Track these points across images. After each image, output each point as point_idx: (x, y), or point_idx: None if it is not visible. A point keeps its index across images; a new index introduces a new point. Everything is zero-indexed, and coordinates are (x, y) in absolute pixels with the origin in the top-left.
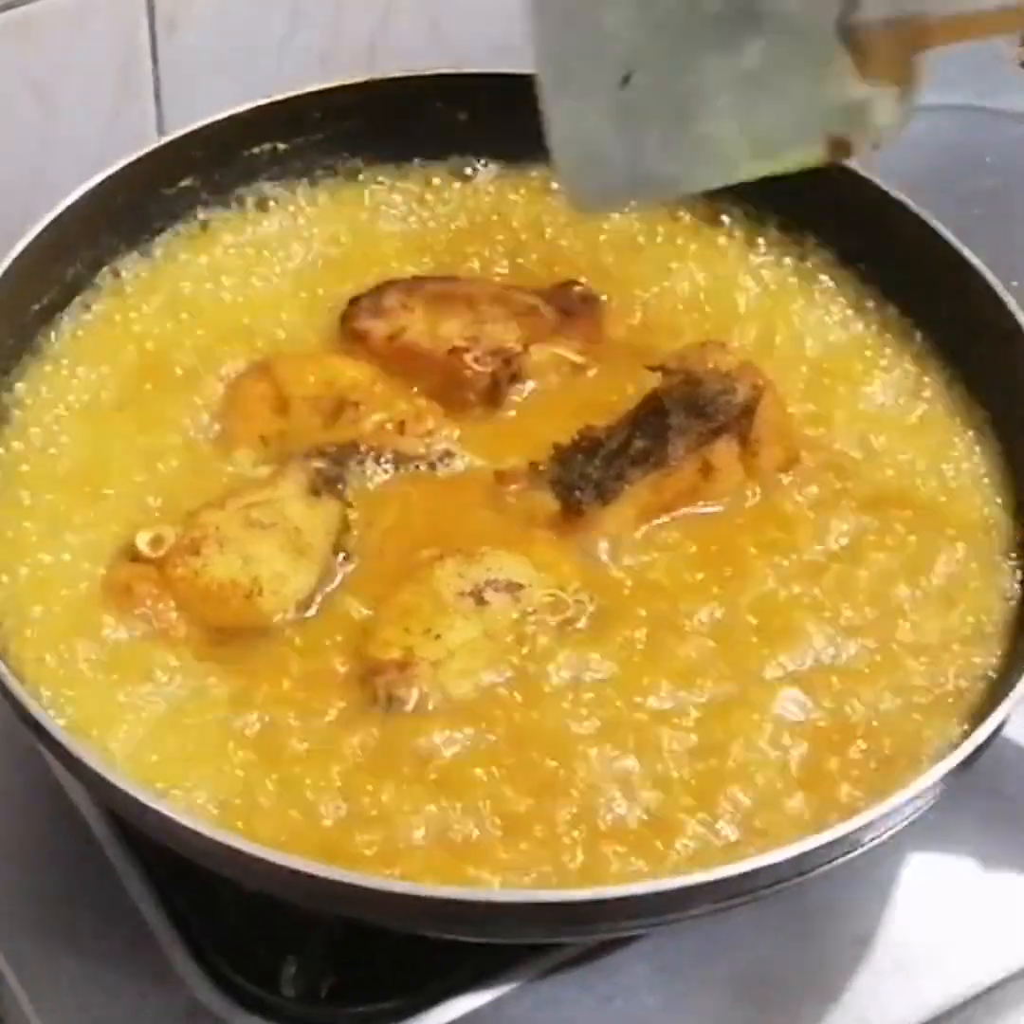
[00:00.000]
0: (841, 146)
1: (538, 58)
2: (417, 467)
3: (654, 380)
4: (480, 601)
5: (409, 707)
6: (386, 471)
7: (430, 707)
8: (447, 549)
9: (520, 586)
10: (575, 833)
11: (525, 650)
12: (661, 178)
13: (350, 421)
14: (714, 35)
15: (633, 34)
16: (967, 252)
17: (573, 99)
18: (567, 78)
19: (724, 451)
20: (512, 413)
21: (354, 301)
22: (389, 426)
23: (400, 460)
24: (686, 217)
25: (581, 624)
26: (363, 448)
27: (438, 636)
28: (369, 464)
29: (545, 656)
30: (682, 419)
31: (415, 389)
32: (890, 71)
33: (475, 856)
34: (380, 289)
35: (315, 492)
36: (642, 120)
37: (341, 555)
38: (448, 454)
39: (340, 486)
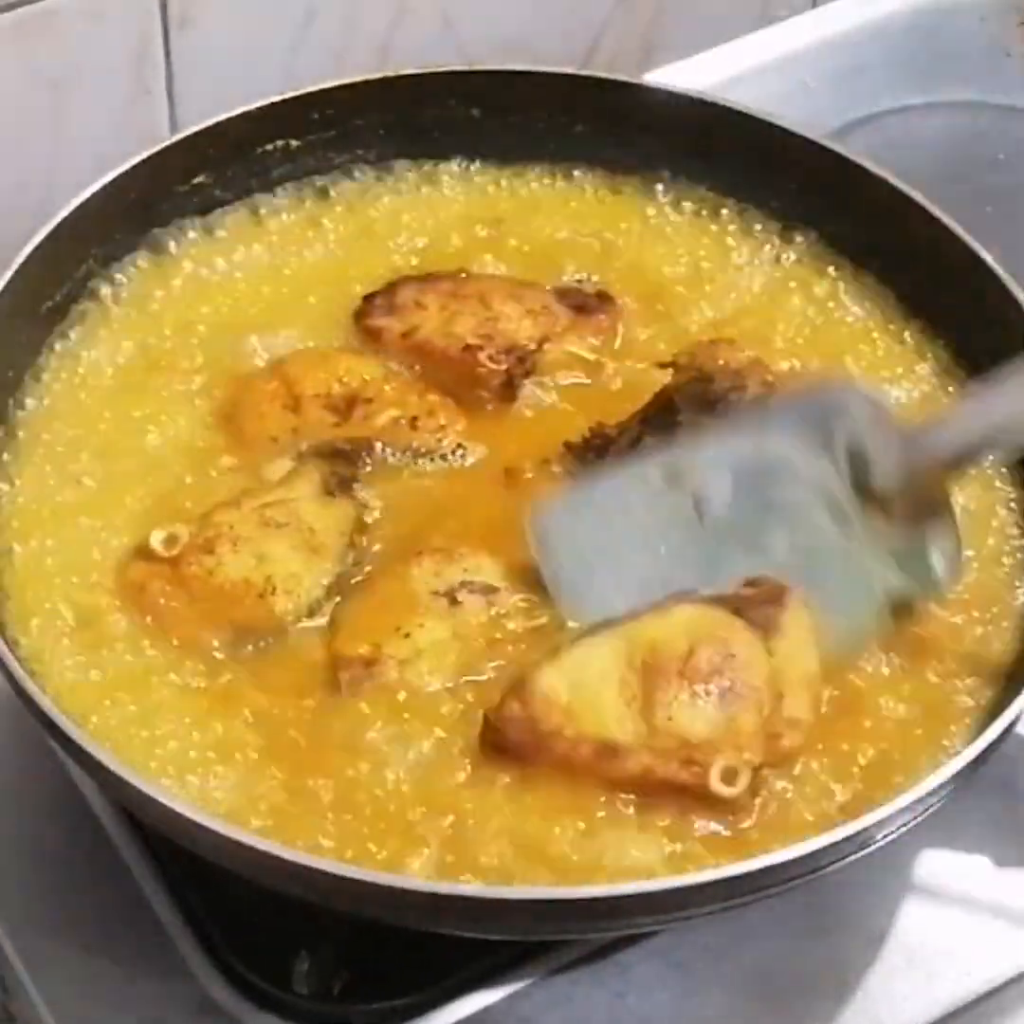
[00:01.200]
0: (905, 607)
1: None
2: (431, 460)
3: (665, 377)
4: (453, 602)
5: (371, 703)
6: (399, 468)
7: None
8: (427, 548)
9: (495, 589)
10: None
11: (494, 654)
12: None
13: (362, 418)
14: (735, 539)
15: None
16: (979, 248)
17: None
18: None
19: None
20: (526, 410)
21: (368, 298)
22: (402, 422)
23: (413, 456)
24: (699, 216)
25: (553, 629)
26: (376, 444)
27: (407, 635)
28: (382, 461)
29: (514, 660)
30: (692, 416)
31: (428, 386)
32: (920, 516)
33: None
34: (394, 286)
35: (329, 492)
36: None
37: (354, 554)
38: (461, 450)
39: (355, 486)
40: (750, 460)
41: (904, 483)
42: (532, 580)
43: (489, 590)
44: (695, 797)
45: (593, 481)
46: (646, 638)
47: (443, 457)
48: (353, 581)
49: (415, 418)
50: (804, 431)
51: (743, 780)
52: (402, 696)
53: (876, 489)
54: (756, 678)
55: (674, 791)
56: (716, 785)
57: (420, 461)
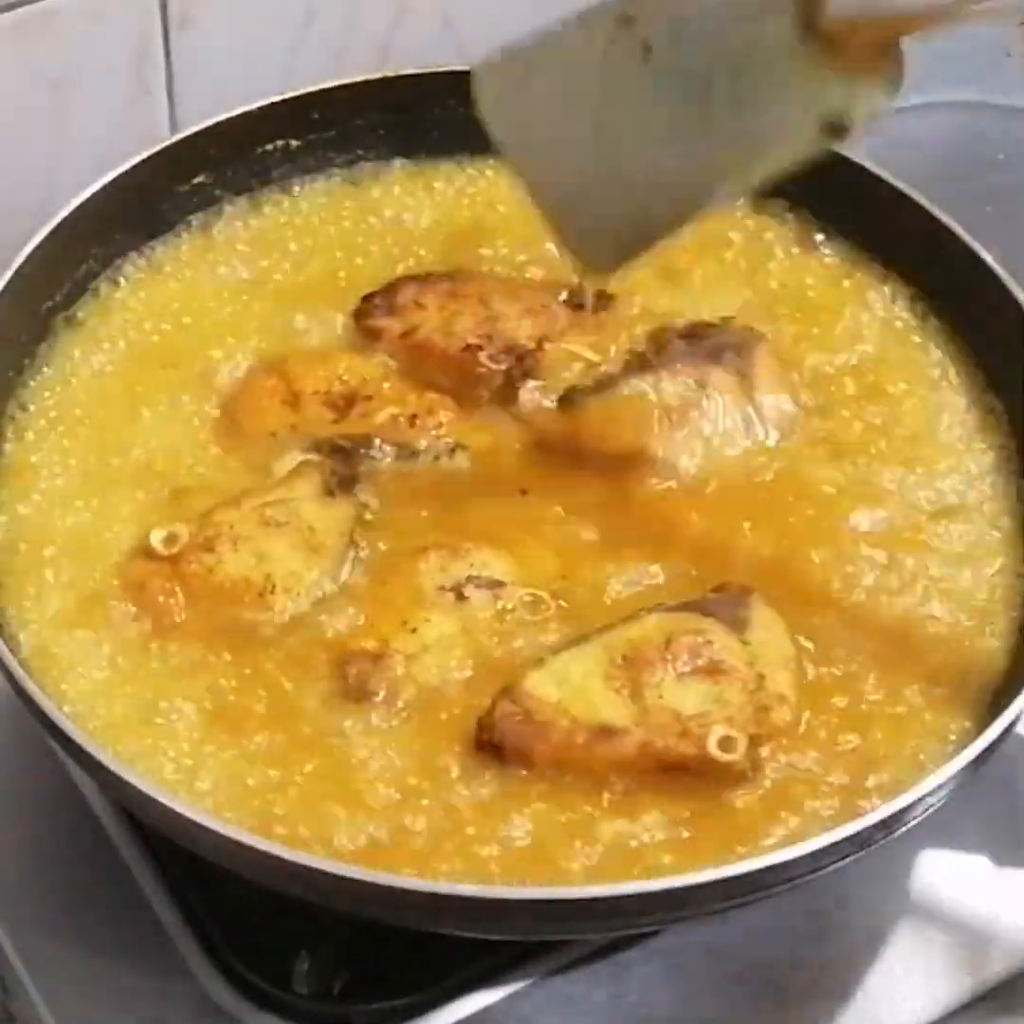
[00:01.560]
0: (837, 132)
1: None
2: (432, 458)
3: None
4: (460, 597)
5: (379, 699)
6: (398, 466)
7: (401, 700)
8: (433, 543)
9: (501, 584)
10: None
11: (501, 648)
12: (660, 215)
13: (361, 416)
14: (679, 83)
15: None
16: (979, 248)
17: (550, 172)
18: (540, 160)
19: (721, 376)
20: (526, 409)
21: (367, 298)
22: (401, 420)
23: (411, 454)
24: None
25: (559, 624)
26: (375, 442)
27: (414, 630)
28: (381, 459)
29: (520, 655)
30: (680, 344)
31: (427, 385)
32: (870, 60)
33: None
34: (393, 286)
35: (329, 492)
36: (622, 168)
37: (354, 553)
38: (459, 448)
39: (355, 486)
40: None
41: (854, 23)
42: (538, 575)
43: (495, 585)
44: (696, 771)
45: (538, 32)
46: (623, 640)
47: (442, 455)
48: (354, 579)
49: (414, 416)
50: None
51: (741, 746)
52: (408, 691)
53: (824, 25)
54: (735, 659)
55: (674, 767)
56: (715, 752)
57: (419, 459)
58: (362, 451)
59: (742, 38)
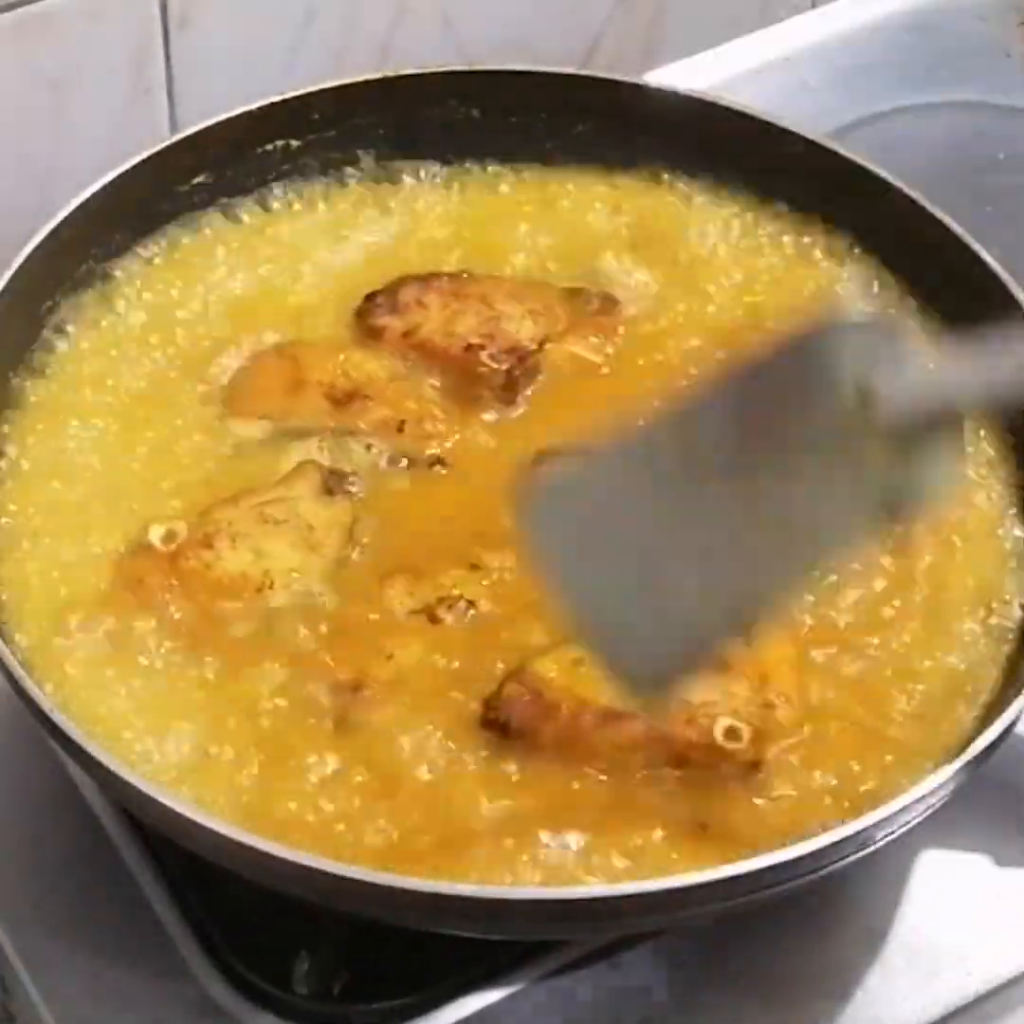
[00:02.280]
0: (897, 512)
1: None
2: (436, 466)
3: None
4: (433, 619)
5: (362, 727)
6: (388, 474)
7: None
8: (402, 565)
9: (472, 602)
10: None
11: (478, 666)
12: (712, 632)
13: (356, 412)
14: (729, 482)
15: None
16: (979, 248)
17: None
18: (583, 591)
19: None
20: (525, 412)
21: (369, 297)
22: (390, 424)
23: (392, 462)
24: (700, 216)
25: (540, 638)
26: (364, 440)
27: (390, 656)
28: (379, 462)
29: (498, 672)
30: None
31: (429, 385)
32: (923, 440)
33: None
34: (395, 285)
35: (328, 491)
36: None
37: (351, 552)
38: (441, 463)
39: (354, 486)
40: (748, 403)
41: (914, 418)
42: (512, 591)
43: (467, 604)
44: (701, 760)
45: (583, 459)
46: None
47: (441, 460)
48: (335, 600)
49: (403, 422)
50: (805, 367)
51: (746, 736)
52: (388, 715)
53: (880, 420)
54: (739, 657)
55: (679, 754)
56: (721, 739)
57: (401, 468)
58: (348, 444)
59: (792, 440)
